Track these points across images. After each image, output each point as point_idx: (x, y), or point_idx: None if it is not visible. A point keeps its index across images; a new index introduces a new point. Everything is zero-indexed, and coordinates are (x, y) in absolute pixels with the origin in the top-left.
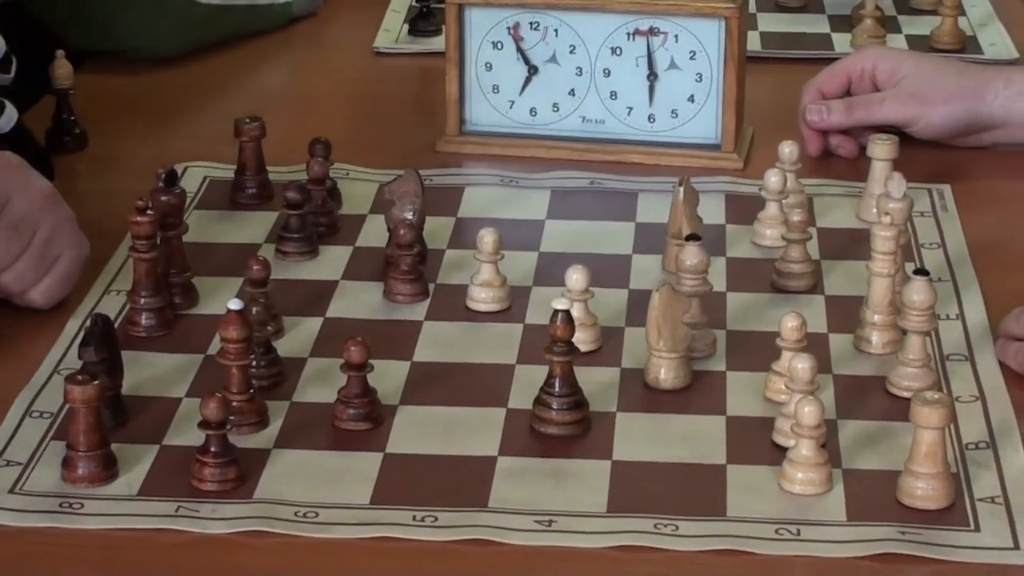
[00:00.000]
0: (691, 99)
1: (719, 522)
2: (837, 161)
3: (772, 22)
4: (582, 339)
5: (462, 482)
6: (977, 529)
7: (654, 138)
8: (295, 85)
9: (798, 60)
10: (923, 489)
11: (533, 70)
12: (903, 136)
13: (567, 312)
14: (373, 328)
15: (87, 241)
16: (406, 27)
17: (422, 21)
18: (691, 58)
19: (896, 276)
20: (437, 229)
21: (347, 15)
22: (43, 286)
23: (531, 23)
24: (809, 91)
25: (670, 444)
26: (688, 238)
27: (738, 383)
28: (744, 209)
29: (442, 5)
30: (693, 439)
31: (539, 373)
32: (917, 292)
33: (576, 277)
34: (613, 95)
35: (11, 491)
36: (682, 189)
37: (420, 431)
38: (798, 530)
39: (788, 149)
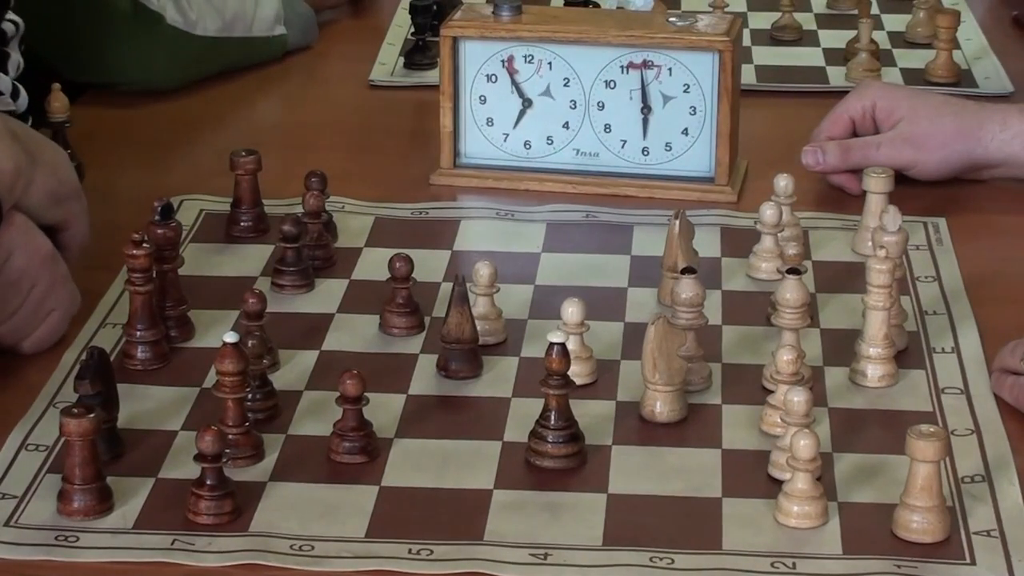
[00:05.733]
0: (685, 132)
1: (715, 555)
2: (832, 194)
3: (767, 55)
4: (578, 372)
5: (457, 515)
6: (973, 563)
7: (648, 171)
8: (291, 118)
9: (793, 93)
10: (919, 522)
11: (527, 103)
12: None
13: (563, 345)
14: (369, 361)
15: (79, 295)
16: (401, 60)
17: (417, 54)
18: (685, 91)
19: (892, 310)
20: (433, 262)
21: (342, 48)
22: (34, 337)
23: (525, 56)
24: (818, 139)
25: (666, 477)
26: (684, 271)
27: (733, 416)
28: (739, 242)
29: (437, 38)
30: (689, 472)
31: (535, 406)
32: (790, 290)
33: (572, 310)
34: (607, 128)
35: (6, 524)
36: (678, 222)
37: (415, 464)
38: (794, 563)
39: (783, 182)
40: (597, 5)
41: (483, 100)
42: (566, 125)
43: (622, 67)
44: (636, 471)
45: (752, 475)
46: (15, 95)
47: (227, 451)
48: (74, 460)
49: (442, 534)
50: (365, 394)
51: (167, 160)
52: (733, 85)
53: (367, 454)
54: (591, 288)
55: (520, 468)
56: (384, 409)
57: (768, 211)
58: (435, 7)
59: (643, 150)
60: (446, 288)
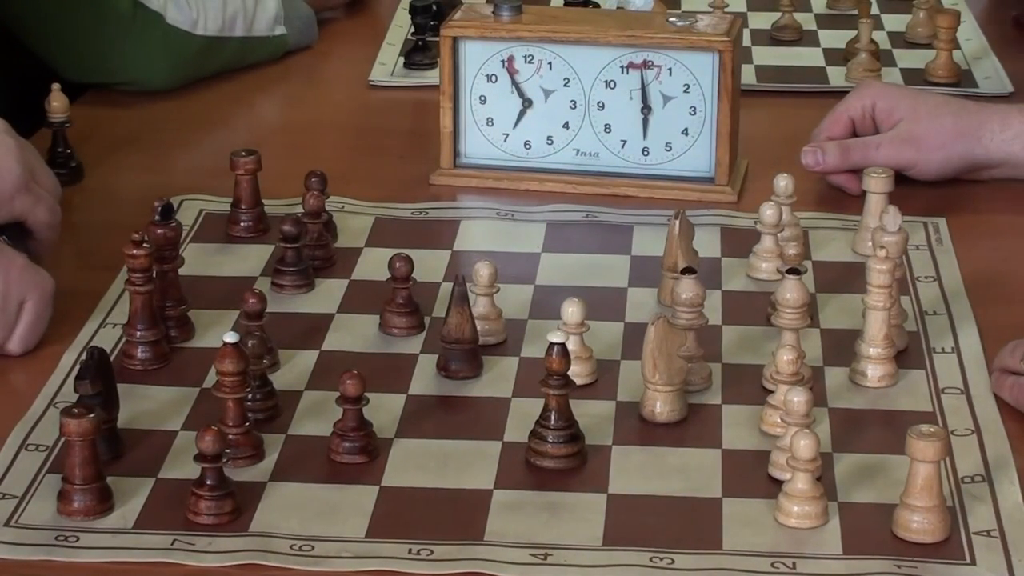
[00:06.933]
0: (685, 132)
1: (715, 555)
2: (832, 194)
3: (767, 55)
4: (578, 372)
5: (457, 515)
6: (973, 563)
7: (648, 171)
8: (291, 118)
9: (793, 93)
10: (919, 522)
11: (527, 103)
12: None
13: (563, 345)
14: (369, 361)
15: (49, 277)
16: (401, 60)
17: (417, 54)
18: (685, 91)
19: (892, 310)
20: (433, 262)
21: (342, 48)
22: (16, 337)
23: (525, 56)
24: (818, 139)
25: (666, 477)
26: (684, 271)
27: (734, 416)
28: (739, 242)
29: (437, 38)
30: (689, 472)
31: (535, 406)
32: (790, 290)
33: (572, 310)
34: (607, 128)
35: (7, 524)
36: (678, 222)
37: (416, 464)
38: (794, 563)
39: (783, 182)
40: (597, 5)
41: (483, 100)
42: (566, 125)
43: (622, 67)
44: (636, 471)
45: (752, 475)
46: None
47: (227, 451)
48: (74, 460)
49: (442, 534)
50: (365, 394)
51: (167, 160)
52: (733, 85)
53: (367, 454)
54: (591, 288)
55: (520, 468)
56: (384, 409)
57: (768, 211)
58: (435, 7)
59: (643, 150)
60: (446, 288)
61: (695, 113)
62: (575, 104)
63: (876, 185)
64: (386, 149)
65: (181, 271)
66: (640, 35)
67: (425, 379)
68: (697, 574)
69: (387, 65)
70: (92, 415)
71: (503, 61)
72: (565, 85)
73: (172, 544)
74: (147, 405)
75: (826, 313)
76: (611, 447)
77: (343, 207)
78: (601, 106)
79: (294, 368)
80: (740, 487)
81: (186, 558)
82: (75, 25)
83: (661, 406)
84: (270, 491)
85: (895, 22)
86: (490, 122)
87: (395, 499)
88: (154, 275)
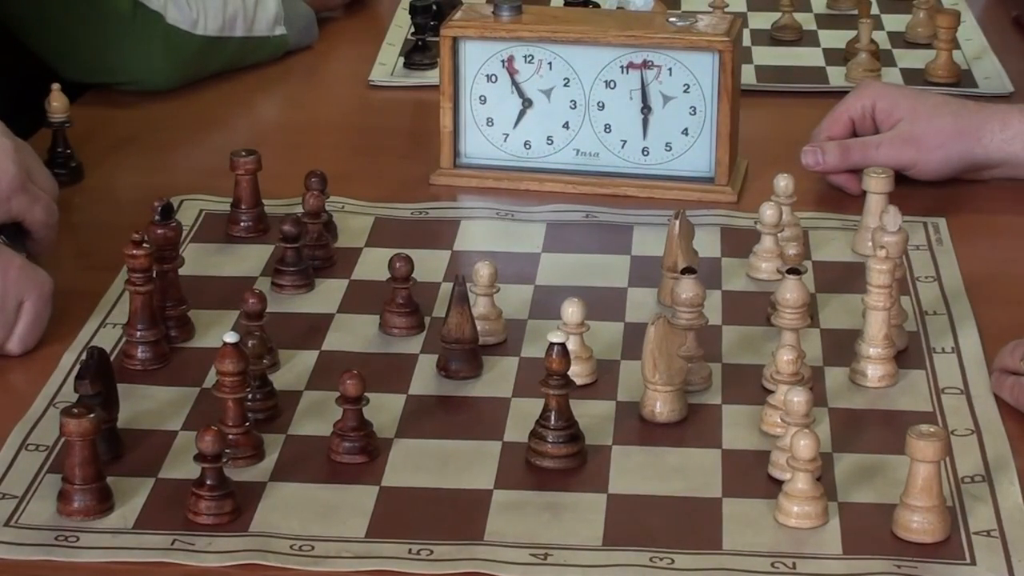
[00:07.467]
0: (685, 132)
1: (715, 555)
2: (833, 194)
3: (767, 55)
4: (578, 372)
5: (457, 515)
6: (973, 563)
7: (648, 171)
8: (291, 118)
9: (793, 93)
10: (919, 522)
11: (527, 103)
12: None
13: (563, 345)
14: (369, 361)
15: (48, 277)
16: (401, 60)
17: (417, 54)
18: (685, 91)
19: (892, 310)
20: (433, 262)
21: (342, 48)
22: (15, 336)
23: (526, 56)
24: (818, 139)
25: (666, 477)
26: (684, 271)
27: (734, 416)
28: (740, 242)
29: (437, 38)
30: (689, 472)
31: (535, 406)
32: (790, 290)
33: (572, 310)
34: (607, 128)
35: (7, 524)
36: (677, 222)
37: (416, 464)
38: (794, 563)
39: (784, 182)
40: (597, 5)
41: (483, 100)
42: (566, 125)
43: (622, 67)
44: (636, 471)
45: (752, 475)
46: None
47: (227, 451)
48: (74, 460)
49: (442, 534)
50: (365, 394)
51: (167, 160)
52: (733, 85)
53: (367, 454)
54: (591, 288)
55: (520, 468)
56: (384, 409)
57: (768, 211)
58: (435, 7)
59: (643, 150)
60: (446, 288)
61: (695, 113)
62: (575, 104)
63: (876, 185)
64: (386, 149)
65: (181, 271)
66: (640, 35)
67: (425, 379)
68: (697, 574)
69: (387, 65)
70: (92, 415)
71: (503, 61)
72: (565, 85)
73: (172, 544)
74: (147, 405)
75: (826, 313)
76: (611, 447)
77: (343, 207)
78: (601, 106)
79: (294, 368)
80: (740, 487)
81: (186, 558)
82: (75, 25)
83: (661, 406)
84: (270, 491)
85: (895, 22)
86: (490, 122)
87: (395, 499)
88: (154, 275)
